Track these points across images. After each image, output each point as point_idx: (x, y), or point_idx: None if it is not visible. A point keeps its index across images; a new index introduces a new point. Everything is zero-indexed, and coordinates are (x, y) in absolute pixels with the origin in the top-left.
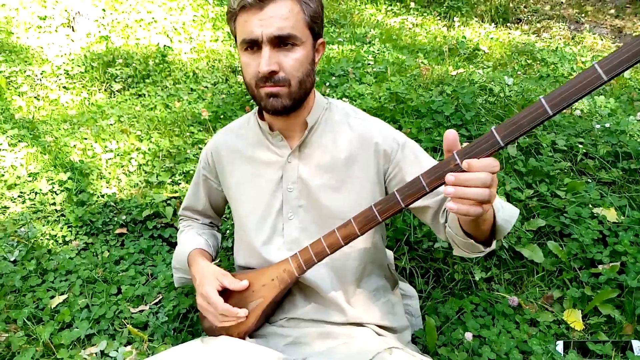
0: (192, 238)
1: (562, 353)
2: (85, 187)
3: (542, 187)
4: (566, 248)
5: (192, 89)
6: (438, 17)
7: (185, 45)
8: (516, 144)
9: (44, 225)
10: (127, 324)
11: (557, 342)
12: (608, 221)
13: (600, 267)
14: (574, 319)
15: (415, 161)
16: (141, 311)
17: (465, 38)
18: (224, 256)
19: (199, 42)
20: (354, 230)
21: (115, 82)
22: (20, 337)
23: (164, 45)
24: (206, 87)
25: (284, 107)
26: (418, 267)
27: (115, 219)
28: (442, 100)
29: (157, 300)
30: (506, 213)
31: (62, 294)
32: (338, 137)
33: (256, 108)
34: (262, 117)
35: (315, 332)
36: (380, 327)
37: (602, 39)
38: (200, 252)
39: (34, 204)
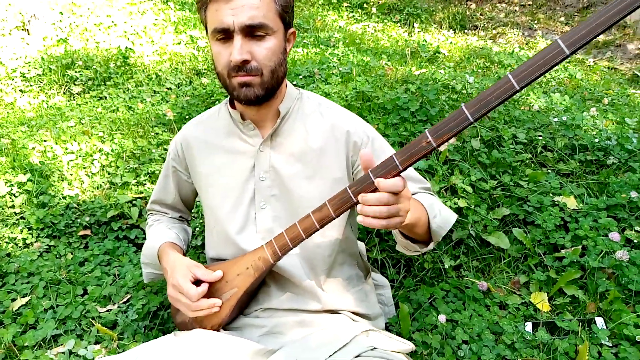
0: (162, 232)
1: (531, 332)
2: (46, 189)
3: (505, 177)
4: (530, 235)
5: (155, 91)
6: (398, 24)
7: (147, 48)
8: (479, 137)
9: (2, 228)
10: (95, 323)
11: (526, 323)
12: (568, 208)
13: (563, 251)
14: (540, 300)
15: (382, 155)
16: (109, 310)
17: (425, 42)
18: (193, 254)
19: (161, 45)
20: (329, 212)
21: (75, 84)
22: None
23: (126, 47)
24: (169, 88)
25: (256, 96)
26: (389, 258)
27: (79, 220)
28: (407, 97)
29: (125, 299)
30: (442, 219)
31: (24, 296)
32: (310, 126)
33: (226, 99)
34: (233, 107)
35: (290, 321)
36: (355, 313)
37: None
38: (171, 245)
39: None
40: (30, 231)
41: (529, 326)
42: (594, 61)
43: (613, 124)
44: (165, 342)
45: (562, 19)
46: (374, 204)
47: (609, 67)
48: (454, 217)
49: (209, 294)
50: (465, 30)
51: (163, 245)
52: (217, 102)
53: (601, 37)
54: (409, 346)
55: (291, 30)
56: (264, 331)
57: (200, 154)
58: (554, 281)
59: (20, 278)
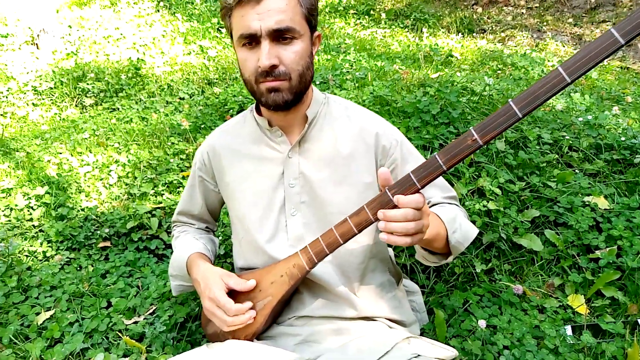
0: (190, 243)
1: (572, 336)
2: (64, 202)
3: (533, 178)
4: (562, 236)
5: (167, 102)
6: (406, 30)
7: (158, 59)
8: (504, 138)
9: (22, 242)
10: (122, 335)
11: (565, 327)
12: (599, 208)
13: (597, 252)
14: (578, 303)
15: (410, 158)
16: (136, 323)
17: (437, 45)
18: (217, 264)
19: (171, 56)
20: (367, 217)
21: (87, 97)
22: (7, 355)
23: (138, 58)
24: (182, 98)
25: (285, 101)
26: (417, 263)
27: (98, 232)
28: (427, 100)
29: (150, 311)
30: (461, 235)
31: (48, 309)
32: (338, 131)
33: (251, 106)
34: (259, 113)
35: (326, 329)
36: (391, 320)
37: (564, 46)
38: (200, 255)
39: (10, 220)
40: (50, 244)
41: (568, 330)
42: (606, 61)
43: (636, 122)
44: (199, 355)
45: (571, 20)
46: (401, 220)
47: (621, 67)
48: (474, 231)
49: (241, 303)
50: (474, 34)
51: (192, 256)
52: (231, 110)
53: None
54: (452, 352)
55: (317, 33)
56: (299, 340)
57: (228, 162)
58: (590, 283)
59: (42, 292)
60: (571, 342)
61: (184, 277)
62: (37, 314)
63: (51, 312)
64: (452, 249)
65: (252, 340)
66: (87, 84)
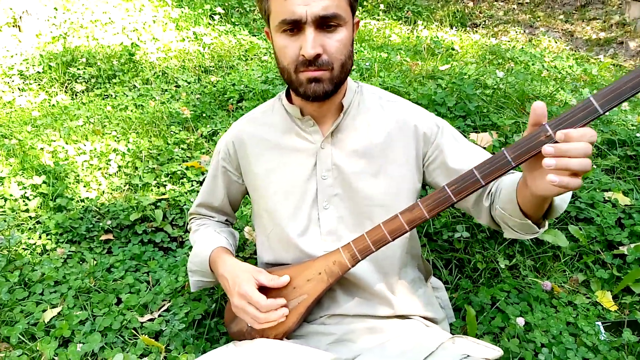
0: (212, 236)
1: (607, 333)
2: (62, 192)
3: None
4: (584, 232)
5: (164, 89)
6: (400, 22)
7: (150, 45)
8: (522, 133)
9: (20, 234)
10: (139, 334)
11: (597, 323)
12: (620, 204)
13: (621, 248)
14: (607, 299)
15: (455, 144)
16: (151, 320)
17: (438, 38)
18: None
19: (164, 43)
20: (421, 214)
21: (77, 82)
22: (18, 356)
23: (132, 43)
24: (178, 86)
25: (325, 92)
26: (439, 259)
27: (100, 224)
28: (443, 93)
29: (164, 307)
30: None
31: (54, 306)
32: (372, 121)
33: (280, 93)
34: (290, 102)
35: (361, 327)
36: (425, 318)
37: (556, 42)
38: (224, 250)
39: (4, 211)
40: (49, 236)
41: (600, 327)
42: (596, 58)
43: None
44: (229, 354)
45: (562, 16)
46: (577, 155)
47: (613, 64)
48: (569, 192)
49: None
50: (467, 28)
51: (215, 251)
52: (232, 99)
53: (603, 34)
54: (499, 352)
55: (356, 19)
56: (332, 339)
57: (255, 153)
58: (617, 279)
59: (46, 287)
60: (608, 339)
61: (204, 273)
62: (44, 311)
63: (58, 309)
64: (553, 209)
65: (282, 340)
66: (78, 69)
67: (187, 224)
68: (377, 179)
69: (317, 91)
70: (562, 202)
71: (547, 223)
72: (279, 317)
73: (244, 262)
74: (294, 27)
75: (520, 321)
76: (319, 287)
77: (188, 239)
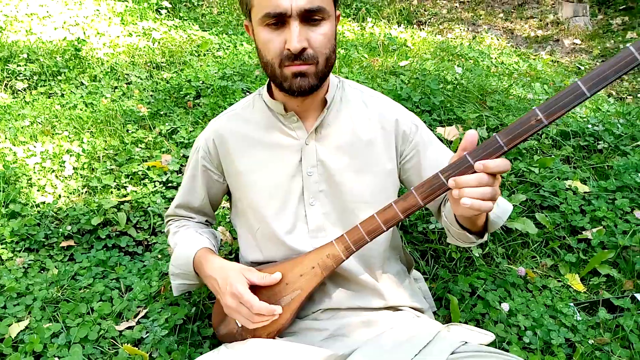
0: (194, 238)
1: (580, 313)
2: (15, 197)
3: (517, 164)
4: (550, 218)
5: (114, 87)
6: (349, 19)
7: (95, 40)
8: (486, 126)
9: None
10: (119, 343)
11: (570, 305)
12: (580, 192)
13: (584, 232)
14: (577, 282)
15: (430, 144)
16: (129, 328)
17: (391, 35)
18: None
19: (111, 38)
20: (415, 201)
21: (18, 80)
22: None
23: (78, 38)
24: (129, 83)
25: (311, 86)
26: (415, 250)
27: (59, 230)
28: (409, 88)
29: (140, 314)
30: (500, 210)
31: (20, 320)
32: (355, 116)
33: (260, 89)
34: (272, 97)
35: (354, 321)
36: (413, 309)
37: (498, 39)
38: (209, 250)
39: None
40: (4, 245)
41: (575, 308)
42: (536, 55)
43: (591, 111)
44: (220, 356)
45: (502, 15)
46: (476, 186)
47: (552, 61)
48: (510, 207)
49: (265, 299)
50: (413, 26)
51: (200, 252)
52: (188, 96)
53: (540, 32)
54: (491, 336)
55: (337, 12)
56: (326, 334)
57: (237, 150)
58: (584, 262)
59: (8, 300)
60: (584, 319)
61: (188, 275)
62: (9, 325)
63: (25, 323)
64: (490, 225)
65: (275, 338)
66: (18, 65)
67: (165, 225)
68: (361, 175)
69: (302, 86)
70: (498, 219)
71: (486, 235)
72: (272, 315)
73: (231, 262)
74: (278, 20)
75: (505, 307)
76: (313, 282)
77: (155, 243)
